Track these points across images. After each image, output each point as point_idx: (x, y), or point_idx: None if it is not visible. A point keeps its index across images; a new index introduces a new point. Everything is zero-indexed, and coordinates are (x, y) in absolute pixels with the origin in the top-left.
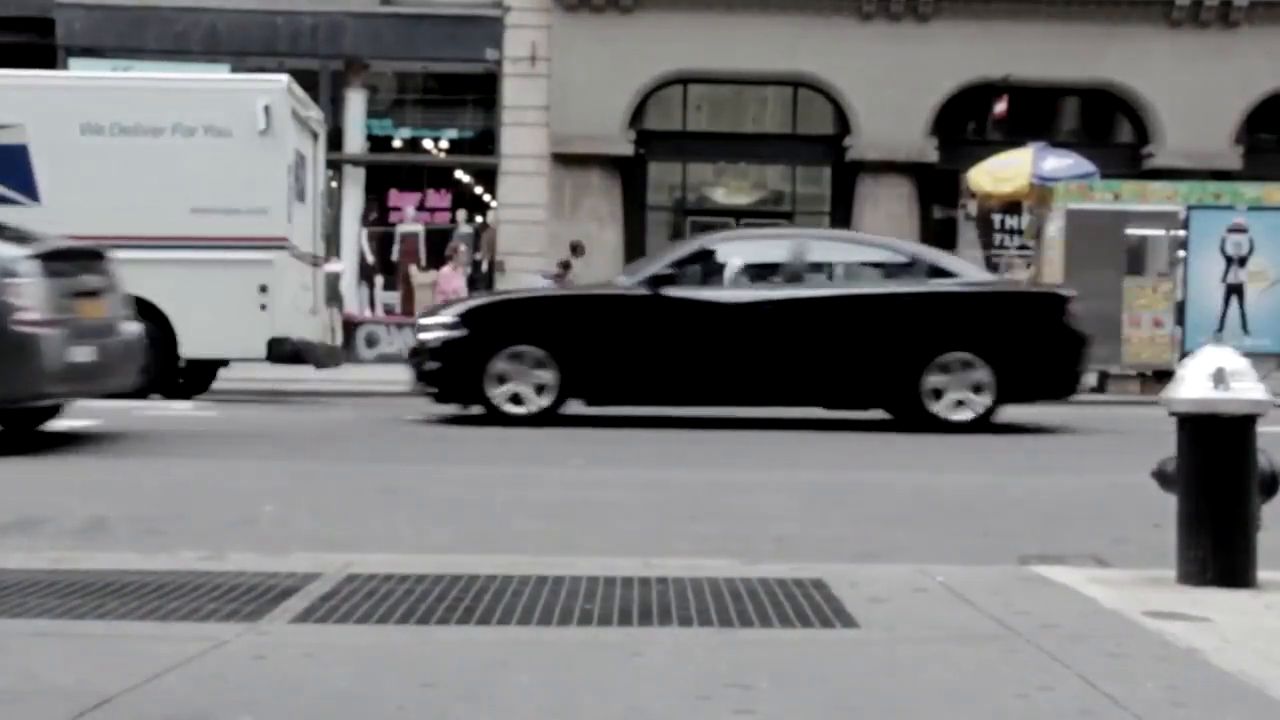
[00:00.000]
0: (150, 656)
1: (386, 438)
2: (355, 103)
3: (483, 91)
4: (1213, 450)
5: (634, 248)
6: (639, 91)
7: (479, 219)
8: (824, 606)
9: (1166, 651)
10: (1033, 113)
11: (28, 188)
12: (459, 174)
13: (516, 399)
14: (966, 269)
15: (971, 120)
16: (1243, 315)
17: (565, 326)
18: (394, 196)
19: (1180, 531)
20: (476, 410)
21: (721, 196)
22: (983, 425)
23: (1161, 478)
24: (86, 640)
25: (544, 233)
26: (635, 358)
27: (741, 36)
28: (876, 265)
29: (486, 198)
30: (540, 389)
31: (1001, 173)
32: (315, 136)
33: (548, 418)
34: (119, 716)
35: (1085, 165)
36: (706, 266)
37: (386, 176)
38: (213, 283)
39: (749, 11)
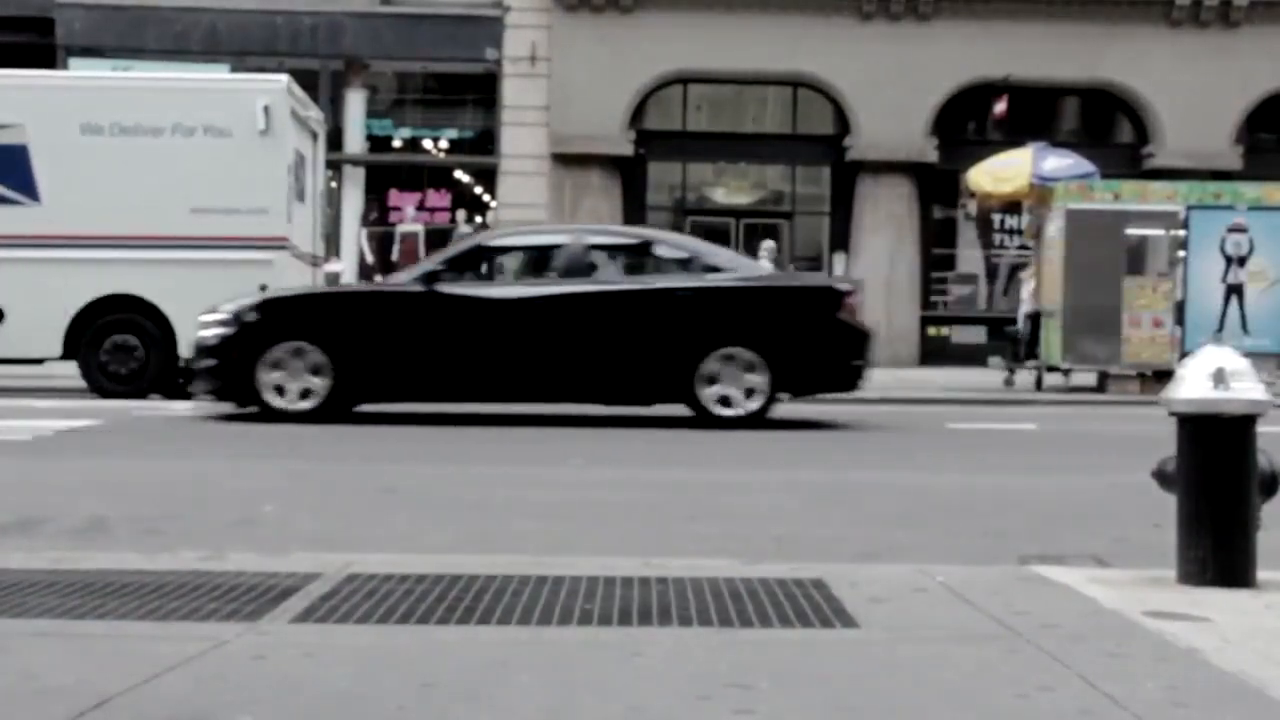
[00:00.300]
0: (150, 656)
1: (377, 437)
2: (355, 103)
3: (483, 91)
4: (1213, 450)
5: None
6: (639, 91)
7: (479, 219)
8: (824, 606)
9: (1166, 651)
10: (1033, 113)
11: (28, 188)
12: (459, 174)
13: (291, 395)
14: (742, 264)
15: (971, 120)
16: (1242, 315)
17: (339, 323)
18: (394, 196)
19: (1180, 531)
20: (253, 409)
21: (721, 196)
22: (759, 420)
23: (1161, 478)
24: (86, 640)
25: None
26: (411, 354)
27: (741, 36)
28: (653, 260)
29: (486, 198)
30: (313, 387)
31: (1001, 173)
32: (315, 136)
33: (323, 415)
34: (119, 716)
35: (1085, 165)
36: (482, 262)
37: (386, 176)
38: (213, 283)
39: (749, 11)
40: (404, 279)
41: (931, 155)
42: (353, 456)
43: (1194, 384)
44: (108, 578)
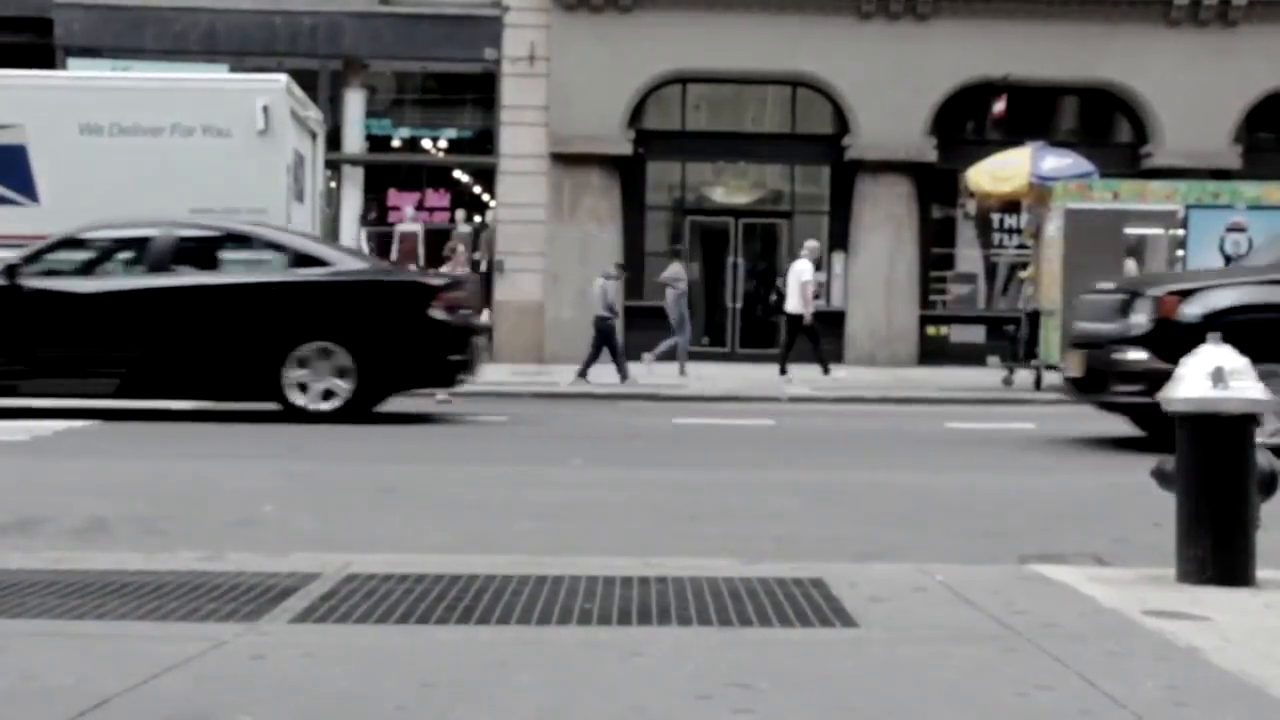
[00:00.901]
0: (150, 656)
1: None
2: (354, 102)
3: (482, 91)
4: (1212, 449)
5: (633, 248)
6: (638, 91)
7: (478, 219)
8: (824, 606)
9: (1166, 651)
10: (1032, 112)
11: (27, 188)
12: (458, 174)
13: None
14: (338, 258)
15: (971, 120)
16: None
17: None
18: (393, 196)
19: (1180, 531)
20: None
21: (721, 196)
22: (350, 415)
23: (1161, 477)
24: (86, 640)
25: (543, 232)
26: None
27: (741, 36)
28: (248, 255)
29: (485, 197)
30: None
31: (1000, 172)
32: (314, 136)
33: None
34: (119, 716)
35: (1084, 165)
36: (72, 256)
37: (385, 176)
38: None
39: (749, 11)
40: None
41: (931, 155)
42: (352, 457)
43: (1193, 383)
44: (108, 578)
